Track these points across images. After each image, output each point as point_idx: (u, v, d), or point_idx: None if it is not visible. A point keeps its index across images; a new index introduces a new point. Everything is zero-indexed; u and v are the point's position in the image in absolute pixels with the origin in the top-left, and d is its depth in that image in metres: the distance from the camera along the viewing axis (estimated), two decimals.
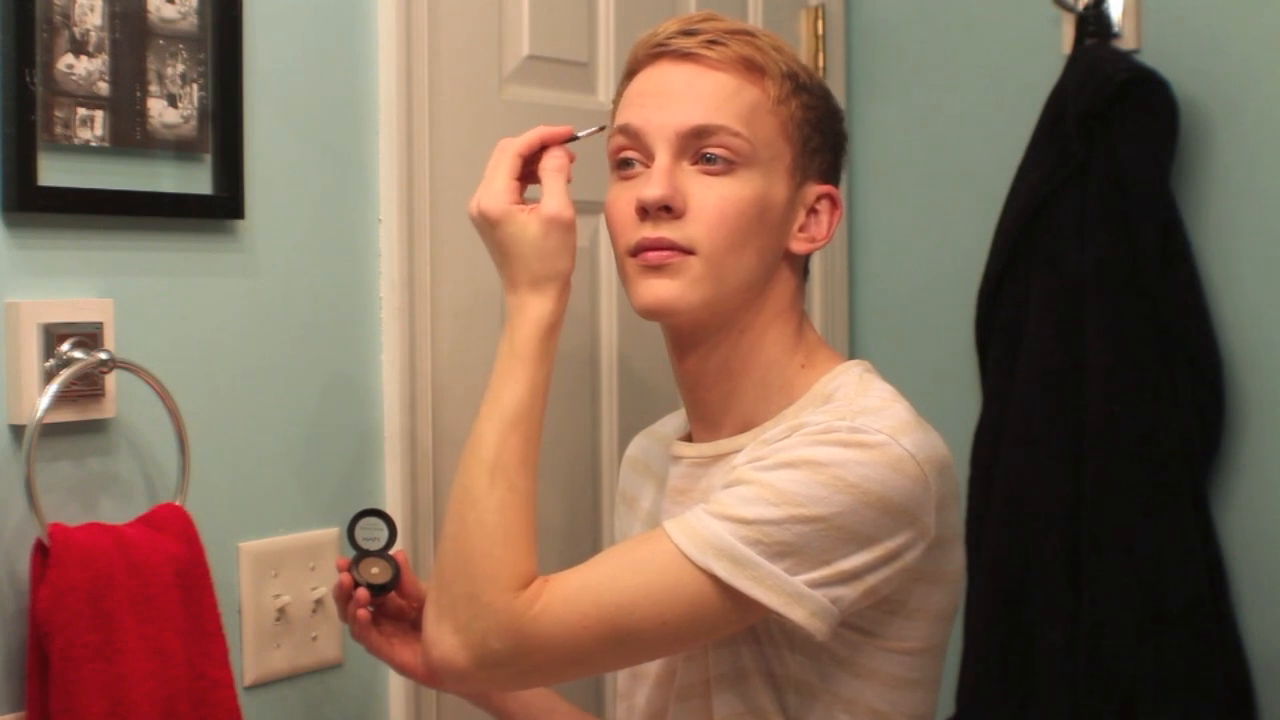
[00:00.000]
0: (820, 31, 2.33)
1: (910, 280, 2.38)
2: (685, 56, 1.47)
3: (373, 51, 1.73)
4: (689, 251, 1.43)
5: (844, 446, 1.35)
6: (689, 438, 1.56)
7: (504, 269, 1.45)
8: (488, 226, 1.44)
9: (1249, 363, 2.06)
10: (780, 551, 1.33)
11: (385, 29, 1.73)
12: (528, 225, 1.42)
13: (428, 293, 1.77)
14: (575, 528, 1.95)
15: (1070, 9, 2.15)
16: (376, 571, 1.55)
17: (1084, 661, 2.00)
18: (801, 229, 1.50)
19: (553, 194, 1.44)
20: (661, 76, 1.48)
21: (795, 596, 1.33)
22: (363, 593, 1.54)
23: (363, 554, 1.56)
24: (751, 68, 1.46)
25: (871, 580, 1.36)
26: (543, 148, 1.47)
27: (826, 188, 1.52)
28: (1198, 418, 2.04)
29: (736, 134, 1.44)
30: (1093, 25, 2.12)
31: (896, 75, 2.38)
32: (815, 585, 1.34)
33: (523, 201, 1.45)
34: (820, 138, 1.51)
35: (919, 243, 2.37)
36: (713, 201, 1.43)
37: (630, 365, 2.03)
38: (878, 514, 1.34)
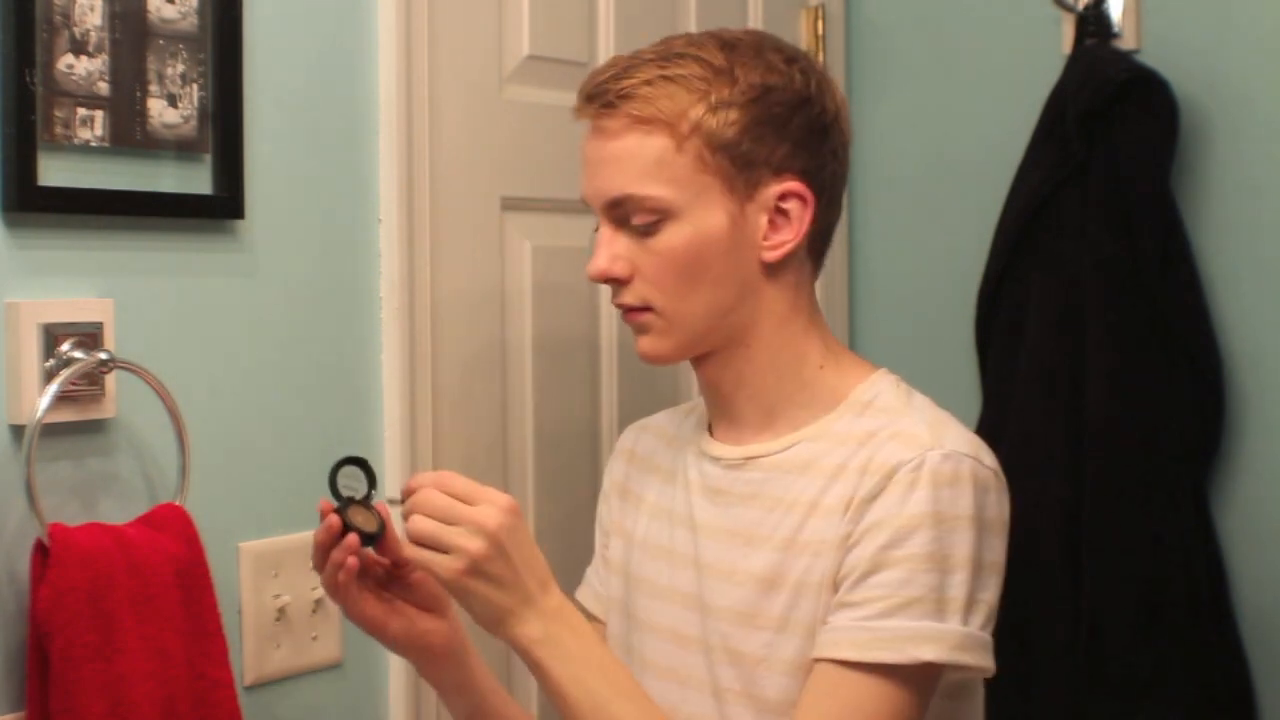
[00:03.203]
0: (820, 31, 2.33)
1: (910, 280, 2.37)
2: (594, 129, 1.48)
3: (373, 51, 1.73)
4: (647, 309, 1.48)
5: (950, 486, 1.38)
6: (708, 431, 1.56)
7: (515, 590, 1.39)
8: (509, 542, 1.38)
9: (1249, 363, 2.06)
10: (957, 609, 1.37)
11: (385, 29, 1.73)
12: (514, 523, 1.39)
13: (428, 293, 1.77)
14: (574, 520, 1.94)
15: (1070, 9, 2.15)
16: (363, 520, 1.46)
17: (1084, 660, 2.00)
18: (766, 237, 1.46)
19: (488, 503, 1.39)
20: (586, 145, 1.50)
21: (983, 645, 1.40)
22: (353, 539, 1.44)
23: (347, 503, 1.46)
24: (644, 121, 1.44)
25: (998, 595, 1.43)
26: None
27: (787, 184, 1.46)
28: (1198, 418, 2.04)
29: (646, 196, 1.44)
30: (1093, 25, 2.11)
31: (896, 75, 2.38)
32: (984, 626, 1.40)
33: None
34: (760, 140, 1.45)
35: (919, 243, 2.36)
36: (650, 261, 1.46)
37: (631, 356, 2.02)
38: (993, 538, 1.42)
